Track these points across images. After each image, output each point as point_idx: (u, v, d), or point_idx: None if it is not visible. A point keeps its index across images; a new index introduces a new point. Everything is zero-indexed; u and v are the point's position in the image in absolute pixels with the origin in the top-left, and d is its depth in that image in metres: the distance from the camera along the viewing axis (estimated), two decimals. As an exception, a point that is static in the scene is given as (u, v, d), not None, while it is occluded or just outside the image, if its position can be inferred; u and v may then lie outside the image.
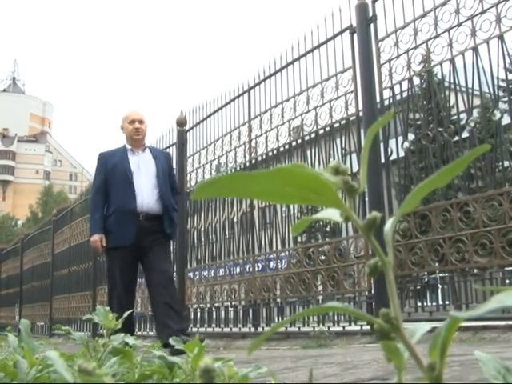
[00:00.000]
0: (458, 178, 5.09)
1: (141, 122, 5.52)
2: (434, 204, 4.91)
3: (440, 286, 6.64)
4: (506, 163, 5.04)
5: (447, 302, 9.75)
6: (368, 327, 5.38)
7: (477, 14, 4.75)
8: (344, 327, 5.67)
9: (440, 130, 5.10)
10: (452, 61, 4.97)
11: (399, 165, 5.60)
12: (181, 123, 9.06)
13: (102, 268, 11.52)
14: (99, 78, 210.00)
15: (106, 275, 5.53)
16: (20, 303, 17.94)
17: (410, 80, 5.39)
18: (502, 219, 4.34)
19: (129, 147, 5.51)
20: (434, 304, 5.55)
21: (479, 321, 4.48)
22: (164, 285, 5.21)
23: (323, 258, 6.06)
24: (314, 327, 5.94)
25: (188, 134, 8.93)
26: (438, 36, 5.10)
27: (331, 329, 5.78)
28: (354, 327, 5.58)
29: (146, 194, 5.30)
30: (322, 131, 6.31)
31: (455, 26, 4.93)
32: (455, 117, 5.18)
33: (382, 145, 5.55)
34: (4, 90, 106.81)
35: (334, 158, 6.15)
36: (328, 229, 6.50)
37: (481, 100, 4.90)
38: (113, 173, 5.33)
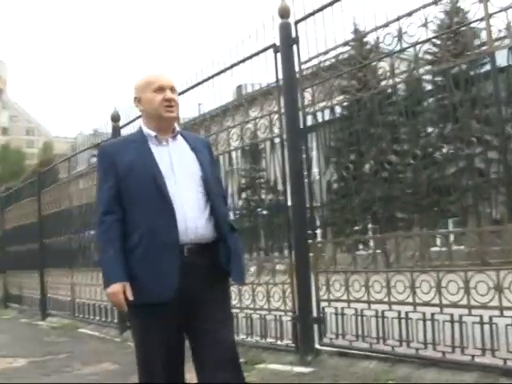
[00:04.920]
0: (385, 141, 4.88)
1: (173, 90, 2.87)
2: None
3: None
4: (430, 129, 4.86)
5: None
6: (293, 345, 5.15)
7: (396, 52, 4.43)
8: (271, 342, 5.40)
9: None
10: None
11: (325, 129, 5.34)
12: (115, 119, 8.53)
13: (49, 249, 11.04)
14: (53, 36, 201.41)
15: (134, 349, 2.74)
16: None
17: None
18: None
19: (151, 133, 2.80)
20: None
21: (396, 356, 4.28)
22: (224, 366, 2.63)
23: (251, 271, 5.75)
24: (243, 339, 5.66)
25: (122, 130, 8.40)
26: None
27: (259, 341, 5.52)
28: (280, 343, 5.31)
29: (191, 211, 2.68)
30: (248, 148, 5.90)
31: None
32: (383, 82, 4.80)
33: (300, 113, 5.25)
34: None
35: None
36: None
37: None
38: (130, 178, 2.71)
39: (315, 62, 5.18)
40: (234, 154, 6.20)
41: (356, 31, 5.46)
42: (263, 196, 6.35)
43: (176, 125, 2.87)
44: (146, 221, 2.64)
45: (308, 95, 5.22)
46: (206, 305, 2.66)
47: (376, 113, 4.80)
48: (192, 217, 2.65)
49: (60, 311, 10.37)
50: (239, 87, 6.87)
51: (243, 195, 6.62)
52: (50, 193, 11.05)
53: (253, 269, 5.77)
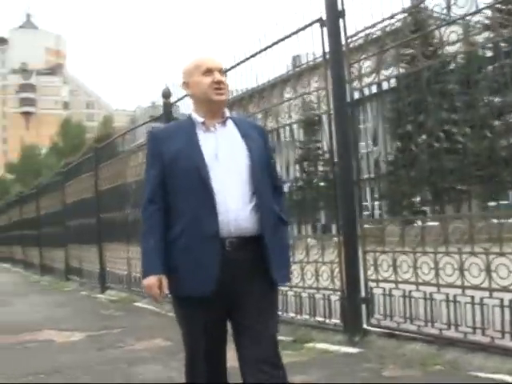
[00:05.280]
0: (443, 110, 4.79)
1: (221, 72, 2.78)
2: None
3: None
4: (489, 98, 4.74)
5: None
6: (341, 324, 5.15)
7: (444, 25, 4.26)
8: (320, 321, 5.42)
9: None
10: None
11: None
12: (166, 95, 8.60)
13: (106, 223, 11.34)
14: (111, 8, 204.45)
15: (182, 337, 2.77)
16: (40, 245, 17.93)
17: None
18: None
19: (199, 119, 2.72)
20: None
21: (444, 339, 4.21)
22: (263, 366, 2.54)
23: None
24: (292, 317, 5.69)
25: (174, 106, 8.49)
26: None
27: (308, 320, 5.55)
28: (329, 322, 5.32)
29: (234, 203, 2.60)
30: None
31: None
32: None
33: (347, 86, 5.16)
34: (20, 27, 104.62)
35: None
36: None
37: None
38: (174, 167, 2.66)
39: (363, 34, 5.07)
40: (281, 129, 6.16)
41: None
42: (307, 172, 6.33)
43: (226, 110, 2.76)
44: (188, 212, 2.60)
45: (355, 70, 5.12)
46: (249, 299, 2.59)
47: (430, 83, 4.67)
48: (234, 208, 2.56)
49: (118, 284, 10.69)
50: (296, 57, 6.81)
51: (290, 170, 6.58)
52: (107, 168, 11.30)
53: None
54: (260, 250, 2.58)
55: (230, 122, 2.75)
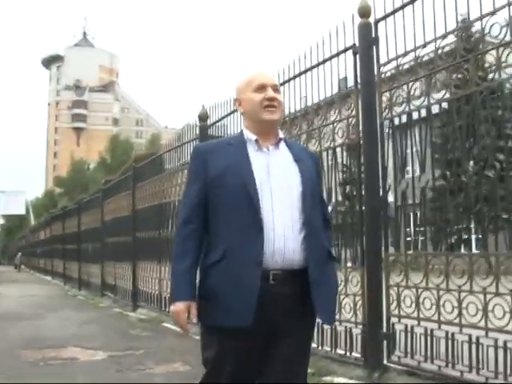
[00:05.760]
0: (491, 138, 4.66)
1: (275, 89, 2.56)
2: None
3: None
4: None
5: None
6: (362, 359, 5.01)
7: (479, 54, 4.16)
8: (340, 354, 5.28)
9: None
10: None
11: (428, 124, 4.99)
12: (203, 118, 8.65)
13: (140, 242, 11.44)
14: (164, 28, 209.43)
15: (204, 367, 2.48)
16: (79, 260, 18.26)
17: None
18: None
19: (252, 137, 2.52)
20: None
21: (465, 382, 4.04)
22: None
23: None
24: (314, 348, 5.56)
25: (209, 129, 8.53)
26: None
27: (329, 352, 5.41)
28: (349, 355, 5.18)
29: (282, 230, 2.36)
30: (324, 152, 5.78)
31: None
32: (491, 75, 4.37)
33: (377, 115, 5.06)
34: (76, 45, 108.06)
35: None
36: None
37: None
38: (220, 184, 2.42)
39: (395, 63, 5.00)
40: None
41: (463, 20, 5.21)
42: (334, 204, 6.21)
43: (280, 132, 2.56)
44: (231, 235, 2.36)
45: (386, 99, 5.04)
46: (285, 341, 2.37)
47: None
48: (281, 237, 2.33)
49: (149, 304, 10.73)
50: (344, 79, 6.78)
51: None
52: (144, 187, 11.42)
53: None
54: (306, 285, 2.34)
55: (282, 144, 2.55)
